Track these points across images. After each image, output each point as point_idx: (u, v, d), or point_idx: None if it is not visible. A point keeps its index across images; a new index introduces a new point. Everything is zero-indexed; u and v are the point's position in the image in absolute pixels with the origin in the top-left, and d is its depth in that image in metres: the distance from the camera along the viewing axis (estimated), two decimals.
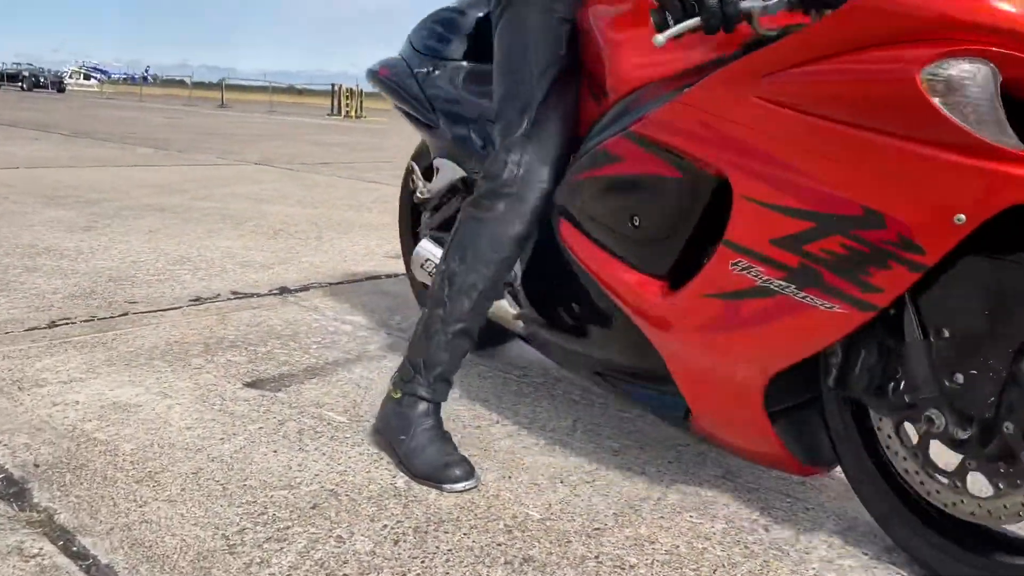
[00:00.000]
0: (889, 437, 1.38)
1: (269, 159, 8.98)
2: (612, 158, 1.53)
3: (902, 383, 1.31)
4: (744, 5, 1.25)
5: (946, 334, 1.22)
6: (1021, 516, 1.23)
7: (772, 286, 1.29)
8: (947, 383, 1.23)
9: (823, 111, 1.17)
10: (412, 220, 2.58)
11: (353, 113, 26.34)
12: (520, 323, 1.94)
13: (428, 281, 2.13)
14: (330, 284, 3.30)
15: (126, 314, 2.70)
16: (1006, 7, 1.03)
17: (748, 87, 1.25)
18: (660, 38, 1.27)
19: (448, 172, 2.19)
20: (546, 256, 1.78)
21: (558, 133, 1.66)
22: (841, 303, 1.23)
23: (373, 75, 2.40)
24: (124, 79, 68.24)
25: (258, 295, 3.07)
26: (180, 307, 2.83)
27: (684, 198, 1.42)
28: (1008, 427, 1.19)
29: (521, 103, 1.67)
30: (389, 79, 2.31)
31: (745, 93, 1.25)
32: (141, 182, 6.20)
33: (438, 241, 2.14)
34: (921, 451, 1.34)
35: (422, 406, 1.71)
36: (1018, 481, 1.21)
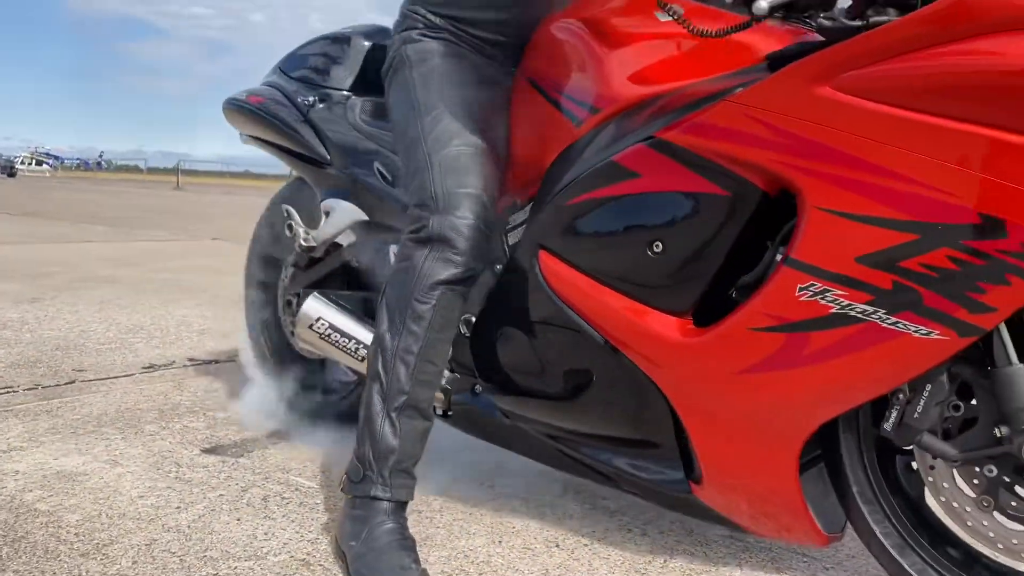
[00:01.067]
0: (944, 486, 1.21)
1: (226, 235, 8.80)
2: (626, 173, 1.31)
3: (974, 416, 1.18)
4: None
5: None
6: None
7: (854, 312, 1.11)
8: None
9: (927, 105, 1.03)
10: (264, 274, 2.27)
11: None
12: (446, 392, 1.67)
13: (313, 348, 1.87)
14: None
15: (73, 382, 2.49)
16: None
17: (829, 82, 1.09)
18: (763, 4, 1.08)
19: (343, 214, 1.90)
20: (503, 308, 1.54)
21: (479, 177, 1.48)
22: (942, 327, 1.07)
23: (236, 103, 2.11)
24: (77, 165, 67.80)
25: (217, 361, 2.88)
26: (132, 374, 2.62)
27: (724, 215, 1.23)
28: None
29: (420, 175, 1.51)
30: (260, 107, 2.04)
31: (825, 89, 1.10)
32: (93, 256, 5.97)
33: (329, 298, 1.86)
34: (991, 496, 1.18)
35: (379, 506, 1.42)
36: None
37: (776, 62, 1.21)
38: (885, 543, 1.27)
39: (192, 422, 2.16)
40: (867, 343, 1.12)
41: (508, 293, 1.52)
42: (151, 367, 2.74)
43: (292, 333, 1.99)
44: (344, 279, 1.99)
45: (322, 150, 1.94)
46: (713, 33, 1.17)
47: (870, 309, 1.10)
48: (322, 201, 1.94)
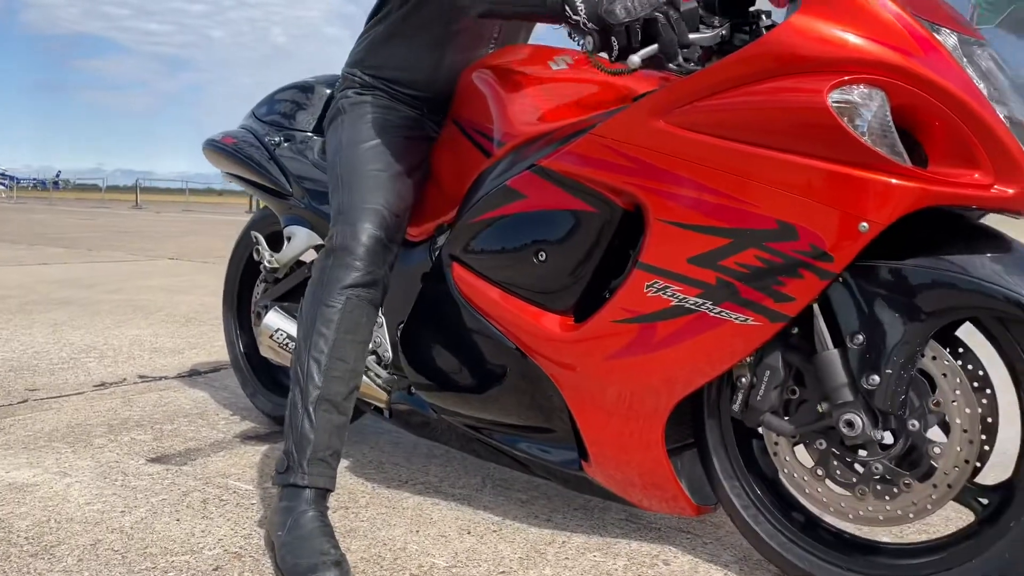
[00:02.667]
0: (787, 460, 1.42)
1: (184, 254, 8.88)
2: (515, 195, 1.55)
3: (806, 398, 1.38)
4: (694, 36, 1.32)
5: (860, 339, 1.27)
6: (927, 510, 1.30)
7: (688, 304, 1.34)
8: (865, 385, 1.28)
9: (738, 135, 1.26)
10: (239, 295, 2.56)
11: None
12: (385, 393, 1.88)
13: (275, 356, 2.10)
14: None
15: (25, 401, 2.61)
16: (885, 48, 1.18)
17: (663, 116, 1.33)
18: (636, 59, 1.29)
19: (302, 239, 2.17)
20: (428, 314, 1.76)
21: (382, 194, 1.70)
22: (755, 315, 1.29)
23: (214, 144, 2.39)
24: (34, 184, 66.69)
25: (166, 378, 3.00)
26: (83, 392, 2.74)
27: (592, 228, 1.45)
28: (913, 424, 1.28)
29: (335, 195, 1.74)
30: (235, 148, 2.32)
31: (660, 122, 1.33)
32: (48, 278, 6.03)
33: (287, 311, 2.09)
34: (823, 466, 1.38)
35: (302, 494, 1.56)
36: (923, 475, 1.29)
37: (638, 100, 1.44)
38: (744, 514, 1.48)
39: (139, 435, 2.29)
40: (701, 330, 1.34)
41: (430, 301, 1.75)
42: (102, 385, 2.87)
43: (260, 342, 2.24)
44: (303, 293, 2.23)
45: (285, 184, 2.20)
46: (605, 69, 1.38)
47: (700, 301, 1.33)
48: (284, 228, 2.22)
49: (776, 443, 1.43)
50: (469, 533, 1.69)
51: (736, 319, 1.31)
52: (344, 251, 1.64)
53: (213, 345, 3.66)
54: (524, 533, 1.70)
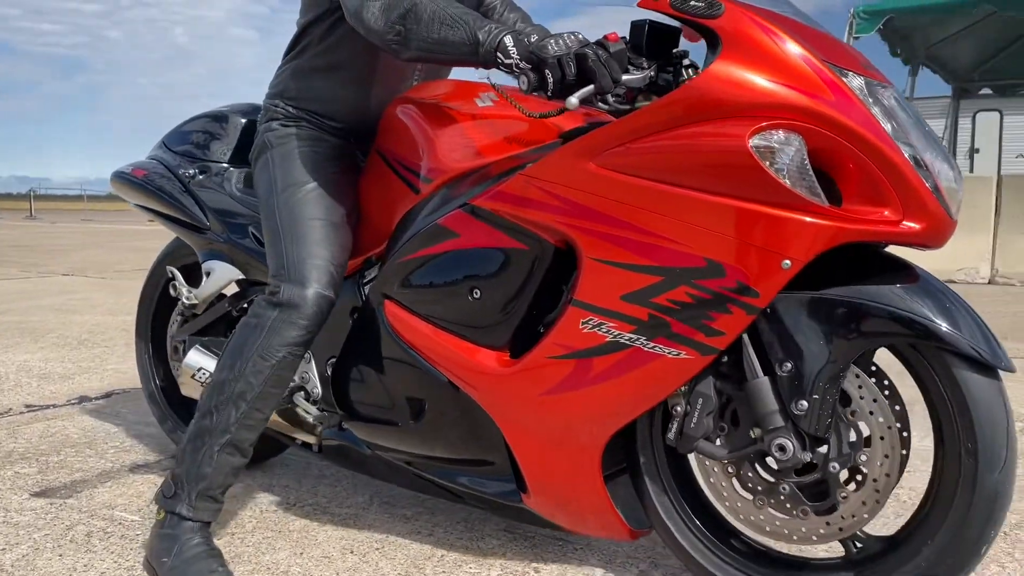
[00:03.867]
0: (723, 485, 1.47)
1: (79, 269, 8.56)
2: (448, 233, 1.56)
3: (739, 424, 1.43)
4: (625, 77, 1.36)
5: (788, 367, 1.33)
6: (811, 541, 1.40)
7: (623, 340, 1.37)
8: (795, 411, 1.34)
9: (665, 177, 1.31)
10: (154, 330, 2.47)
11: None
12: (317, 428, 1.88)
13: (197, 395, 2.02)
14: (135, 389, 3.19)
15: None
16: (799, 93, 1.25)
17: (593, 159, 1.36)
18: (574, 100, 1.32)
19: (222, 274, 2.13)
20: (359, 351, 1.76)
21: (327, 248, 1.69)
22: (688, 349, 1.34)
23: (123, 177, 2.31)
24: None
25: (55, 406, 2.93)
26: None
27: (525, 265, 1.48)
28: (834, 467, 1.36)
29: (276, 244, 1.72)
30: (145, 180, 2.25)
31: (590, 164, 1.37)
32: None
33: (209, 349, 2.04)
34: (758, 487, 1.44)
35: (186, 524, 1.61)
36: (823, 511, 1.37)
37: (567, 137, 1.49)
38: (677, 536, 1.54)
39: (24, 468, 2.26)
40: (635, 364, 1.38)
41: (362, 338, 1.75)
42: None
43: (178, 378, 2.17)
44: (224, 327, 2.18)
45: (202, 217, 2.14)
46: (535, 115, 1.45)
47: (634, 336, 1.37)
48: (203, 263, 2.16)
49: (712, 469, 1.49)
50: (352, 552, 1.76)
51: (669, 353, 1.35)
52: (291, 308, 1.63)
53: (105, 369, 3.60)
54: (406, 549, 1.78)
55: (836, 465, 1.37)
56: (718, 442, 1.46)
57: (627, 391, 1.41)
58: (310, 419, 1.88)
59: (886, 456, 1.34)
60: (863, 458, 1.36)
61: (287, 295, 1.64)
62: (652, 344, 1.36)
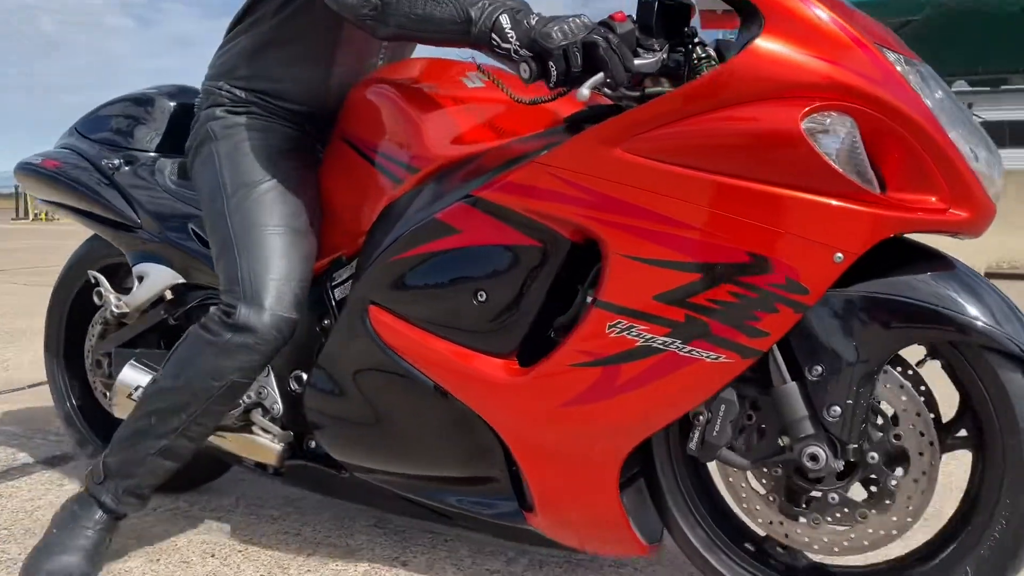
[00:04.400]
0: (743, 495, 1.38)
1: None
2: (447, 229, 1.40)
3: (764, 431, 1.33)
4: (637, 62, 1.23)
5: (818, 371, 1.25)
6: (891, 536, 1.30)
7: (655, 344, 1.25)
8: (827, 418, 1.26)
9: (704, 164, 1.19)
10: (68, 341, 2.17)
11: (44, 216, 24.12)
12: (277, 448, 1.69)
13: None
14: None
15: None
16: (850, 73, 1.16)
17: (620, 144, 1.23)
18: (585, 91, 1.19)
19: (158, 279, 1.87)
20: (335, 362, 1.57)
21: (288, 261, 1.53)
22: (728, 352, 1.23)
23: (30, 168, 2.04)
24: None
25: None
26: None
27: (537, 264, 1.34)
28: (873, 457, 1.28)
29: (226, 255, 1.55)
30: (58, 172, 1.99)
31: (617, 151, 1.23)
32: None
33: (146, 364, 1.80)
34: (777, 496, 1.36)
35: (97, 513, 1.56)
36: (884, 502, 1.28)
37: (573, 124, 1.38)
38: (700, 549, 1.43)
39: None
40: (669, 370, 1.26)
41: (339, 348, 1.56)
42: None
43: (107, 396, 1.95)
44: (158, 338, 1.94)
45: (131, 214, 1.89)
46: (526, 101, 1.32)
47: (669, 340, 1.25)
48: (134, 265, 1.91)
49: (731, 476, 1.39)
50: (213, 556, 1.70)
51: (707, 357, 1.24)
52: (247, 332, 1.48)
53: None
54: (270, 550, 1.72)
55: (875, 455, 1.28)
56: (741, 450, 1.35)
57: (658, 399, 1.30)
58: (269, 439, 1.69)
59: (921, 434, 1.27)
60: (897, 436, 1.28)
61: (243, 317, 1.48)
62: (688, 348, 1.24)
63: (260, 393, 1.69)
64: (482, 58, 1.39)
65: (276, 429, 1.69)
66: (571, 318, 1.37)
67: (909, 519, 1.29)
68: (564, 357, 1.33)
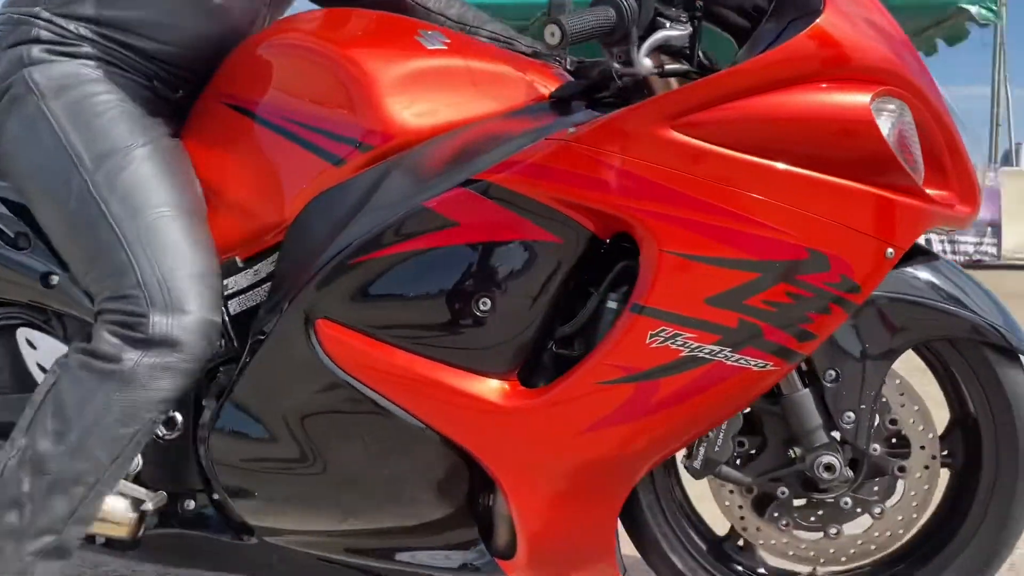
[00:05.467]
0: (742, 515, 1.28)
1: None
2: (440, 221, 1.13)
3: (766, 443, 1.26)
4: (674, 33, 1.10)
5: (832, 375, 1.20)
6: (900, 536, 1.27)
7: (702, 353, 1.11)
8: (843, 424, 1.21)
9: (765, 149, 1.07)
10: None
11: None
12: (134, 519, 1.27)
13: None
14: None
15: None
16: (902, 59, 1.13)
17: (671, 123, 1.07)
18: (647, 62, 1.07)
19: None
20: (247, 399, 1.23)
21: (197, 250, 1.18)
22: (775, 359, 1.12)
23: None
24: None
25: None
26: None
27: (552, 263, 1.13)
28: (875, 448, 1.23)
29: (109, 253, 1.16)
30: None
31: (667, 131, 1.07)
32: None
33: None
34: (784, 513, 1.27)
35: None
36: (894, 501, 1.26)
37: (562, 101, 1.20)
38: (682, 568, 1.29)
39: None
40: (713, 382, 1.12)
41: (264, 376, 1.20)
42: None
43: None
44: None
45: None
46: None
47: (717, 348, 1.10)
48: None
49: (730, 494, 1.28)
50: None
51: (755, 365, 1.12)
52: (168, 346, 1.11)
53: None
54: None
55: (876, 447, 1.24)
56: (740, 466, 1.27)
57: (695, 415, 1.16)
58: (125, 506, 1.26)
59: (916, 409, 1.25)
60: (892, 418, 1.26)
61: (160, 328, 1.11)
62: (737, 356, 1.11)
63: None
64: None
65: (139, 491, 1.27)
66: (587, 327, 1.18)
67: (915, 515, 1.28)
68: (591, 374, 1.13)
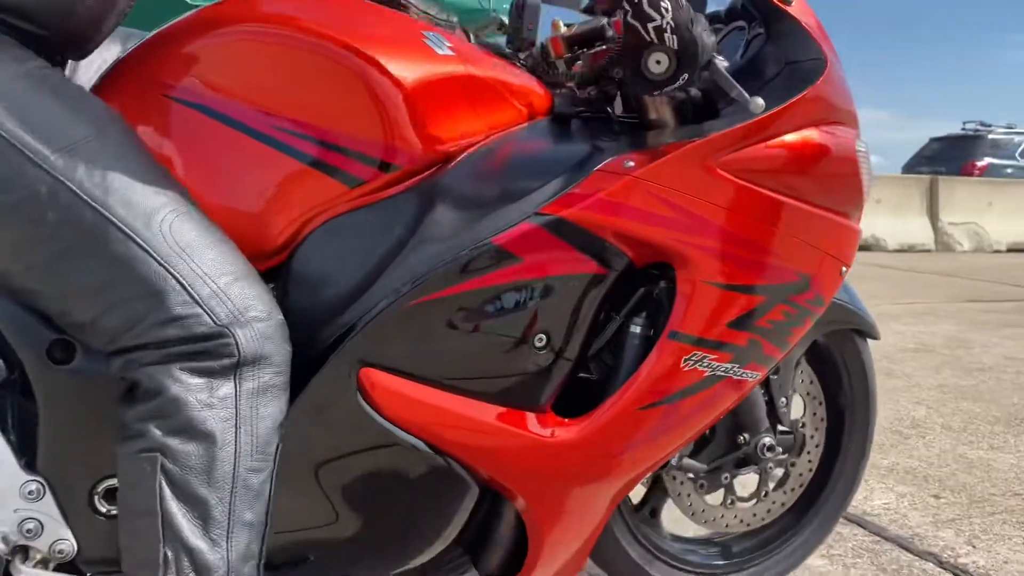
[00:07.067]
0: (689, 496, 1.44)
1: None
2: (507, 259, 1.05)
3: (714, 433, 1.40)
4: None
5: (774, 369, 1.36)
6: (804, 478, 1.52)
7: (719, 371, 1.19)
8: (782, 409, 1.43)
9: (776, 185, 1.17)
10: None
11: None
12: None
13: None
14: None
15: None
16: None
17: (716, 162, 1.13)
18: (760, 101, 1.07)
19: None
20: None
21: (227, 244, 0.96)
22: (764, 369, 1.25)
23: None
24: None
25: None
26: None
27: (598, 295, 1.12)
28: (803, 424, 1.49)
29: (136, 266, 0.89)
30: None
31: (715, 169, 1.13)
32: None
33: None
34: (727, 490, 1.46)
35: None
36: (799, 450, 1.50)
37: (560, 118, 1.19)
38: (631, 554, 1.42)
39: None
40: (723, 396, 1.22)
41: (291, 432, 0.99)
42: None
43: None
44: None
45: None
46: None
47: (730, 366, 1.20)
48: None
49: (682, 483, 1.44)
50: None
51: (752, 377, 1.24)
52: (262, 363, 0.90)
53: None
54: None
55: (784, 400, 1.45)
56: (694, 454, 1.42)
57: (698, 425, 1.25)
58: None
59: (811, 382, 1.52)
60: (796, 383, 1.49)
61: (250, 344, 0.90)
62: (743, 371, 1.22)
63: (25, 527, 0.98)
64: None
65: None
66: (614, 353, 1.19)
67: (817, 446, 1.56)
68: (633, 400, 1.16)
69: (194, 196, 1.00)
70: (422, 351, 1.06)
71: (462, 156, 1.09)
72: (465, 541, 1.19)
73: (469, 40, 1.27)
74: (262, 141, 1.03)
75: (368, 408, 1.03)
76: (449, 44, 1.13)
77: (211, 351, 0.89)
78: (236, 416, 0.90)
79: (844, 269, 1.30)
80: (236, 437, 0.89)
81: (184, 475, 0.88)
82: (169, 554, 0.88)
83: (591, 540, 1.26)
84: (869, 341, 1.56)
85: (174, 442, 0.88)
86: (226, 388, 0.89)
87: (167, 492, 0.88)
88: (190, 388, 0.88)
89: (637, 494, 1.47)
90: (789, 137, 1.19)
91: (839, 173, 1.25)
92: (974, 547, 1.83)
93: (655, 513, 1.49)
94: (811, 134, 1.21)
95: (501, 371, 1.11)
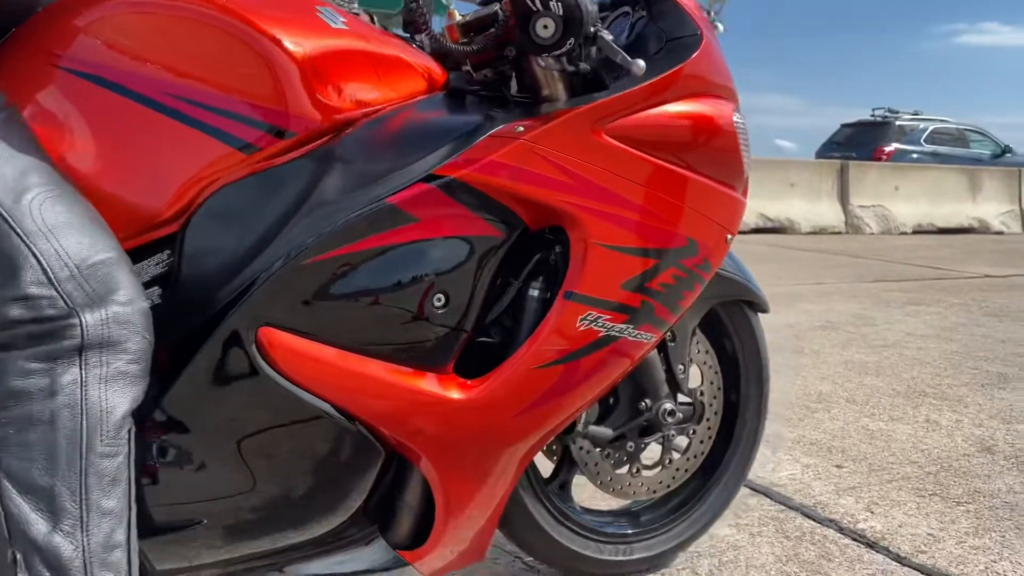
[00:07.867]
0: (596, 465, 1.48)
1: None
2: (403, 218, 1.08)
3: (618, 400, 1.47)
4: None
5: (671, 334, 1.45)
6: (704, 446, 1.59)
7: (614, 332, 1.24)
8: (680, 375, 1.49)
9: (663, 153, 1.23)
10: None
11: None
12: None
13: None
14: None
15: None
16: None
17: (603, 127, 1.18)
18: (642, 63, 1.15)
19: None
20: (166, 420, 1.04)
21: (99, 222, 0.94)
22: (658, 332, 1.30)
23: None
24: None
25: None
26: None
27: (495, 256, 1.17)
28: (702, 391, 1.56)
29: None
30: None
31: (602, 135, 1.18)
32: None
33: None
34: (632, 459, 1.51)
35: None
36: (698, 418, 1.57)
37: (456, 92, 1.25)
38: (543, 525, 1.46)
39: None
40: (618, 356, 1.27)
41: (195, 394, 1.04)
42: None
43: None
44: None
45: None
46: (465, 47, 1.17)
47: (624, 327, 1.25)
48: None
49: (586, 452, 1.47)
50: None
51: (646, 339, 1.29)
52: (112, 347, 0.88)
53: None
54: None
55: (681, 367, 1.52)
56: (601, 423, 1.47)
57: (598, 386, 1.29)
58: None
59: (707, 352, 1.59)
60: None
61: (98, 328, 0.88)
62: (637, 332, 1.27)
63: None
64: None
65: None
66: (514, 315, 1.23)
67: (716, 413, 1.62)
68: (530, 359, 1.20)
69: (86, 165, 1.01)
70: (321, 310, 1.07)
71: (359, 124, 1.13)
72: (372, 510, 1.20)
73: (373, 23, 1.32)
74: (155, 109, 1.04)
75: (267, 367, 1.04)
76: (343, 19, 1.16)
77: (53, 333, 0.86)
78: (82, 402, 0.87)
79: (729, 237, 1.37)
80: (82, 423, 0.87)
81: (25, 467, 0.86)
82: (18, 555, 0.85)
83: (499, 507, 1.28)
84: (774, 317, 1.65)
85: (12, 433, 0.86)
86: (70, 374, 0.87)
87: (8, 489, 0.86)
88: (31, 376, 0.86)
89: (547, 467, 1.51)
90: (670, 107, 1.26)
91: (718, 144, 1.32)
92: (872, 513, 1.92)
93: (565, 486, 1.53)
94: (690, 104, 1.28)
95: (401, 331, 1.13)
